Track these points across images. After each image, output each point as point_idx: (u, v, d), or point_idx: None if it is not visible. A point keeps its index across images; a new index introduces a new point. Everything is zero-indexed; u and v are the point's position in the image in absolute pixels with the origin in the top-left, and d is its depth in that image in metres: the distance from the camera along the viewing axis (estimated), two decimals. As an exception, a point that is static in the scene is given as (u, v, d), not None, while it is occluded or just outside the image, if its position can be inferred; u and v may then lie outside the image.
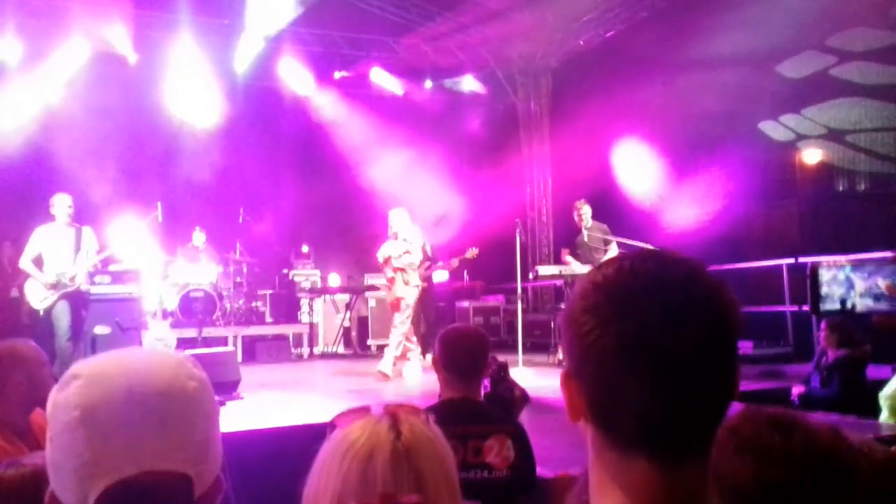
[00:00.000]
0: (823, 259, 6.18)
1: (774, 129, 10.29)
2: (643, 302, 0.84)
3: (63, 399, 0.95)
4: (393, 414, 1.06)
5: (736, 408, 1.47)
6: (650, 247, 8.48)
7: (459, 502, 1.10)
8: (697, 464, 0.87)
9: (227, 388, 6.51)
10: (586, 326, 0.86)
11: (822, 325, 6.20)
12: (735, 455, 1.39)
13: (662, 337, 0.82)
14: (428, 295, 9.95)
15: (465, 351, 2.76)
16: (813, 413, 5.30)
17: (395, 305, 8.15)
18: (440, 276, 10.57)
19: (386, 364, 7.82)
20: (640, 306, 0.84)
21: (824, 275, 1.35)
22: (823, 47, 9.62)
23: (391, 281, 8.15)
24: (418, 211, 10.41)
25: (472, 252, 9.58)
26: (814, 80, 9.67)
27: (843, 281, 1.36)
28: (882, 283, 1.22)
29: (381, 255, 8.15)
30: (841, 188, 10.39)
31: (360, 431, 1.03)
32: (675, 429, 0.85)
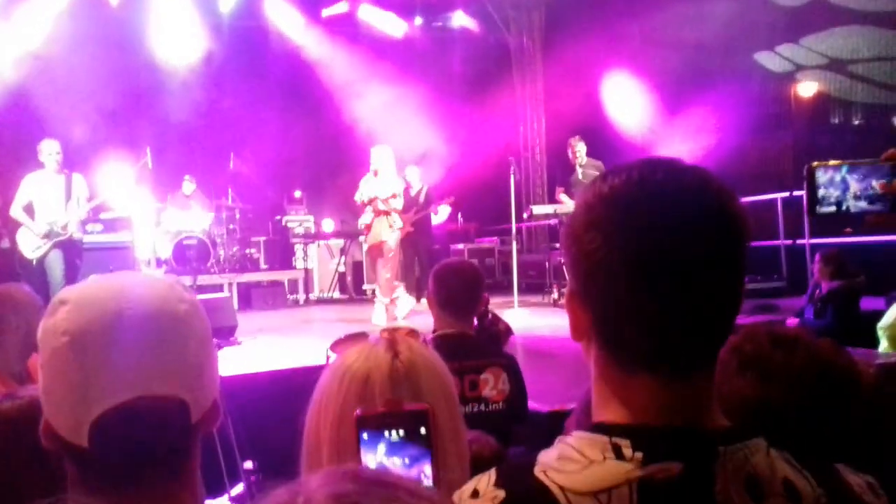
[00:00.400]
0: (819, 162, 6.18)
1: (771, 60, 10.15)
2: (652, 214, 0.81)
3: (52, 325, 0.92)
4: (390, 337, 1.06)
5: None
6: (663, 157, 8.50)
7: (459, 419, 1.11)
8: (702, 379, 0.86)
9: (224, 333, 6.55)
10: (593, 243, 0.83)
11: (817, 257, 6.22)
12: (738, 373, 1.40)
13: (672, 250, 0.81)
14: (423, 238, 9.95)
15: (459, 286, 2.77)
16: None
17: (378, 250, 7.75)
18: (437, 218, 10.57)
19: (379, 315, 7.68)
20: (649, 219, 0.81)
21: (821, 177, 1.34)
22: None
23: (370, 224, 7.69)
24: (409, 150, 10.34)
25: (448, 201, 9.56)
26: (811, 8, 9.48)
27: (839, 182, 1.35)
28: (876, 184, 1.22)
29: (363, 196, 7.62)
30: (837, 120, 10.31)
31: (357, 355, 1.04)
32: (683, 344, 0.83)
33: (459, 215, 11.46)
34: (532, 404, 2.99)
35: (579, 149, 8.60)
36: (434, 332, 2.82)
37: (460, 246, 11.02)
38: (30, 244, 6.96)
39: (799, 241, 8.09)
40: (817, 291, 6.10)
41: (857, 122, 10.17)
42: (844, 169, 1.01)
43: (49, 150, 7.02)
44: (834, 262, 6.06)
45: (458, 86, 11.94)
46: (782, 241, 8.57)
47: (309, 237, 11.07)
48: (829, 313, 5.86)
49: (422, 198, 9.84)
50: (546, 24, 12.72)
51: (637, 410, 0.85)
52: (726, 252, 0.83)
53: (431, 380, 1.07)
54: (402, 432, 0.89)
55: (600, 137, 9.69)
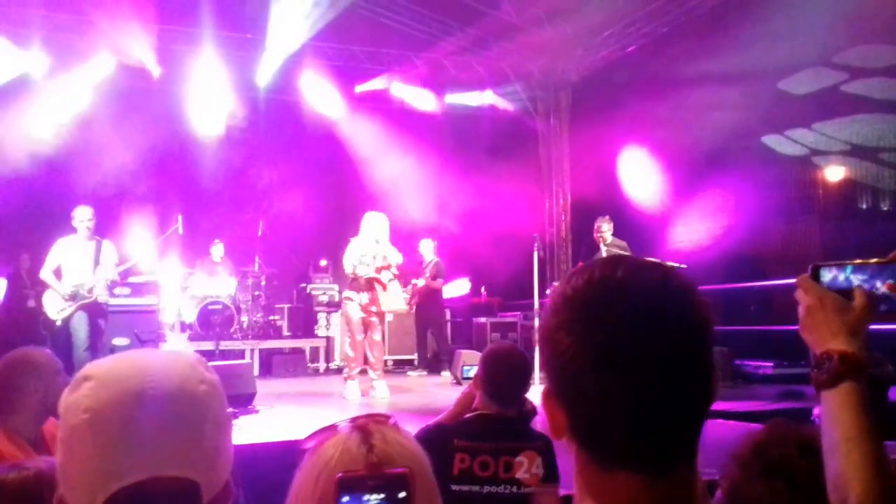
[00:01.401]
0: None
1: (781, 144, 10.25)
2: (612, 314, 0.83)
3: (74, 401, 0.93)
4: (362, 427, 1.04)
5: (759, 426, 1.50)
6: (670, 264, 8.50)
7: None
8: (681, 474, 0.85)
9: (243, 400, 6.52)
10: (562, 345, 0.85)
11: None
12: (762, 477, 1.36)
13: (635, 348, 0.81)
14: (435, 311, 10.01)
15: (508, 375, 2.82)
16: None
17: (382, 318, 7.80)
18: (458, 291, 10.61)
19: (354, 391, 7.51)
20: (610, 319, 0.83)
21: (825, 275, 1.31)
22: (830, 64, 9.58)
23: (376, 289, 7.38)
24: (435, 224, 10.45)
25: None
26: (823, 96, 9.61)
27: (843, 282, 1.30)
28: (881, 285, 1.17)
29: (376, 263, 7.37)
30: (864, 205, 10.26)
31: (332, 450, 1.01)
32: (657, 440, 0.84)
33: (483, 289, 11.45)
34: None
35: (605, 228, 8.62)
36: (475, 410, 2.87)
37: (483, 319, 10.98)
38: (55, 305, 7.10)
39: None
40: (845, 380, 5.95)
41: (886, 207, 10.12)
42: (849, 269, 0.99)
43: (82, 216, 7.22)
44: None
45: (486, 162, 12.11)
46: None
47: (332, 305, 11.12)
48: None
49: (429, 270, 9.93)
50: (573, 104, 12.93)
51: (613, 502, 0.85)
52: (689, 346, 0.84)
53: (414, 478, 1.02)
54: (382, 496, 0.88)
55: (623, 216, 9.72)
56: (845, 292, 1.17)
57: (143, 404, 0.92)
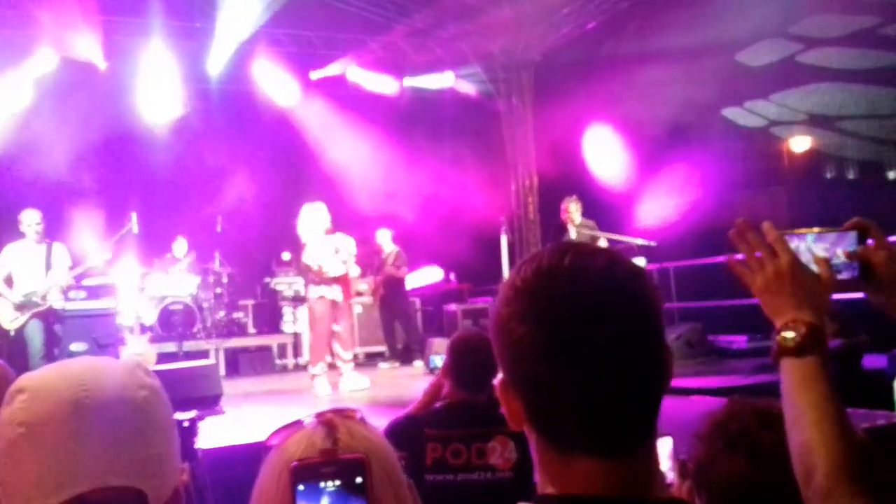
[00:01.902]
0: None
1: (741, 116, 10.30)
2: (561, 301, 0.85)
3: (8, 415, 0.92)
4: (327, 421, 1.02)
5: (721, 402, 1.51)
6: (640, 241, 8.44)
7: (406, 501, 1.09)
8: (639, 457, 0.87)
9: (209, 402, 6.31)
10: (514, 334, 0.86)
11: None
12: (724, 453, 1.39)
13: (584, 334, 0.83)
14: (399, 300, 9.93)
15: (475, 361, 2.81)
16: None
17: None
18: (427, 277, 10.52)
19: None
20: (559, 306, 0.85)
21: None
22: (787, 35, 9.63)
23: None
24: (399, 211, 10.29)
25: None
26: (780, 67, 9.66)
27: (805, 251, 1.26)
28: (840, 252, 1.14)
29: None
30: (829, 175, 10.33)
31: (295, 446, 0.99)
32: (611, 424, 0.85)
33: (452, 275, 11.32)
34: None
35: (573, 209, 8.59)
36: (444, 398, 2.90)
37: (453, 306, 10.84)
38: (7, 315, 6.91)
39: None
40: (821, 351, 5.94)
41: (851, 176, 10.20)
42: (810, 238, 0.96)
43: (29, 220, 7.03)
44: (837, 320, 5.90)
45: (449, 146, 11.95)
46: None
47: (298, 300, 10.88)
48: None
49: (390, 260, 9.83)
50: (535, 83, 12.82)
51: (575, 481, 0.86)
52: (638, 328, 0.86)
53: (381, 467, 1.01)
54: (338, 482, 0.88)
55: (590, 195, 9.67)
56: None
57: (80, 414, 0.90)
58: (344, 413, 1.05)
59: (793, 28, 9.57)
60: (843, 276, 1.22)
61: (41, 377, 0.95)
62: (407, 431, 2.79)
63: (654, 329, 0.87)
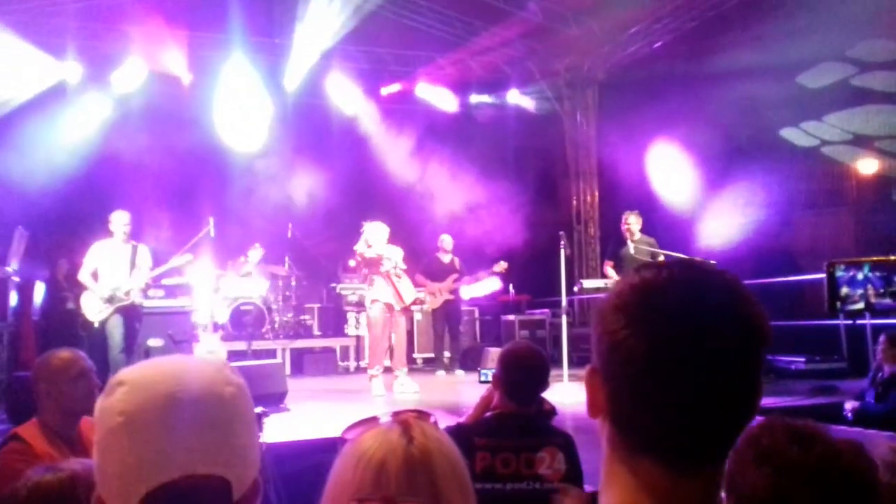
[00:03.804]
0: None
1: (797, 136, 10.18)
2: (676, 307, 0.85)
3: (108, 405, 0.98)
4: (403, 421, 1.07)
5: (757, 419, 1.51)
6: (699, 260, 8.44)
7: (471, 498, 1.11)
8: (707, 475, 0.87)
9: (275, 399, 6.59)
10: (616, 324, 0.87)
11: (881, 338, 6.01)
12: (753, 465, 1.40)
13: (691, 344, 0.83)
14: (456, 310, 10.07)
15: (524, 373, 2.84)
16: (867, 430, 5.15)
17: (408, 315, 8.21)
18: (487, 288, 10.63)
19: (410, 381, 7.92)
20: (673, 311, 0.85)
21: (841, 275, 1.31)
22: (843, 58, 9.51)
23: (395, 284, 7.88)
24: (465, 224, 10.49)
25: (500, 266, 9.60)
26: (834, 89, 9.54)
27: (862, 281, 1.30)
28: None
29: (396, 260, 7.88)
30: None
31: (371, 440, 1.04)
32: (690, 437, 0.85)
33: (511, 286, 11.47)
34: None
35: (632, 223, 8.57)
36: (494, 409, 2.89)
37: (511, 317, 10.99)
38: (93, 308, 7.22)
39: (859, 321, 7.87)
40: (880, 374, 5.86)
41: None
42: (866, 267, 1.01)
43: (119, 221, 7.36)
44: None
45: (514, 161, 12.14)
46: (842, 321, 8.32)
47: (361, 305, 11.18)
48: (892, 398, 5.62)
49: (457, 265, 9.99)
50: (599, 101, 12.89)
51: (635, 496, 0.86)
52: (744, 353, 0.85)
53: (446, 466, 1.07)
54: None
55: (652, 213, 9.69)
56: None
57: (175, 407, 0.97)
58: (419, 414, 1.12)
59: (849, 52, 9.47)
60: None
61: (140, 372, 1.02)
62: (457, 440, 2.79)
63: (758, 357, 0.87)
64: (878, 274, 1.25)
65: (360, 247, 7.91)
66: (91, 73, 10.46)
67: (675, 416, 0.84)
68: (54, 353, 2.88)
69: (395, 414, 1.12)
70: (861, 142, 9.68)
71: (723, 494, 1.48)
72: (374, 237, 7.89)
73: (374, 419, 1.14)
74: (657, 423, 0.85)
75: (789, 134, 10.20)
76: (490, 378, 3.03)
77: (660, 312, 0.85)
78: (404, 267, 7.97)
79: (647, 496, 0.86)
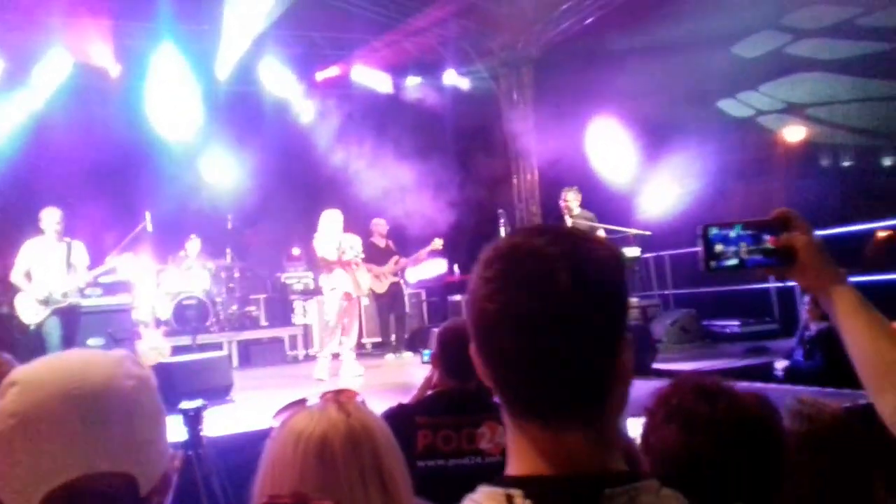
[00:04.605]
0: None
1: (733, 107, 10.42)
2: (502, 271, 0.90)
3: (1, 407, 0.95)
4: (337, 399, 1.10)
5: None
6: (634, 231, 8.64)
7: (407, 477, 1.15)
8: (591, 426, 0.90)
9: (220, 392, 6.56)
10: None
11: (807, 298, 6.23)
12: (663, 424, 1.46)
13: (531, 306, 0.87)
14: (401, 293, 10.11)
15: (462, 349, 2.82)
16: (794, 386, 5.38)
17: (358, 301, 8.16)
18: (432, 269, 10.68)
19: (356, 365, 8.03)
20: (500, 276, 0.90)
21: (715, 235, 1.39)
22: (780, 26, 9.74)
23: (353, 272, 8.01)
24: (405, 207, 10.51)
25: (436, 243, 9.66)
26: (769, 59, 9.79)
27: (734, 239, 1.38)
28: (766, 240, 1.26)
29: (334, 252, 7.95)
30: (824, 163, 10.45)
31: (307, 419, 1.05)
32: (550, 395, 0.89)
33: (456, 267, 11.56)
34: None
35: (571, 199, 8.68)
36: (434, 387, 2.92)
37: (458, 297, 11.08)
38: (28, 310, 7.03)
39: (789, 283, 8.16)
40: (807, 333, 6.11)
41: (844, 164, 10.32)
42: (738, 227, 1.07)
43: (50, 219, 7.13)
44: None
45: (452, 142, 12.16)
46: (773, 284, 8.63)
47: (307, 293, 11.17)
48: (818, 355, 5.86)
49: (393, 248, 10.02)
50: (535, 79, 12.98)
51: (531, 459, 0.91)
52: (581, 312, 0.87)
53: (385, 438, 1.11)
54: None
55: (592, 188, 9.84)
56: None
57: (69, 405, 0.94)
58: (347, 393, 1.13)
59: (785, 19, 9.71)
60: (771, 262, 1.29)
61: (32, 370, 0.98)
62: (398, 419, 2.79)
63: (601, 314, 0.88)
64: (749, 231, 1.34)
65: (318, 241, 7.95)
66: (12, 68, 10.08)
67: (531, 379, 0.88)
68: None
69: (323, 395, 1.13)
70: (793, 110, 9.96)
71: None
72: (331, 226, 7.97)
73: (301, 401, 1.14)
74: (519, 386, 0.90)
75: (726, 105, 10.44)
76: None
77: (504, 279, 0.89)
78: (363, 256, 8.08)
79: (538, 457, 0.90)
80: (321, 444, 1.04)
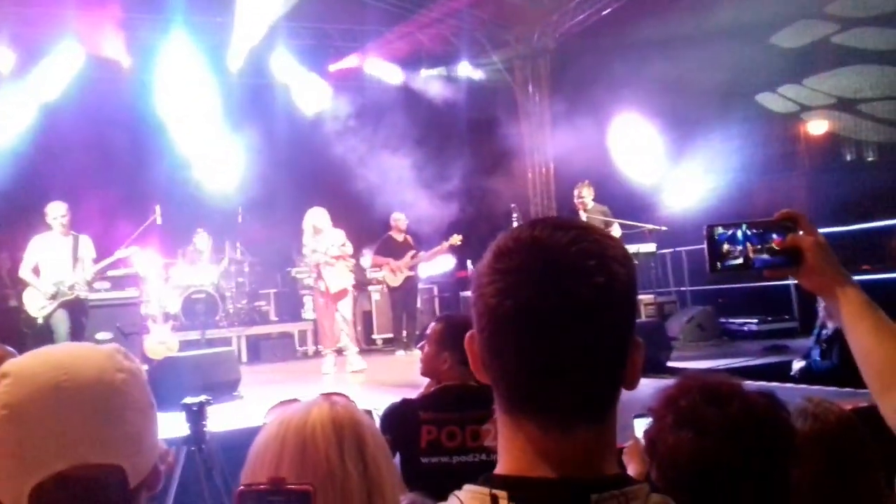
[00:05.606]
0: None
1: (774, 101, 10.12)
2: (521, 265, 0.86)
3: None
4: (325, 395, 1.13)
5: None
6: (650, 227, 8.46)
7: (395, 471, 1.17)
8: (588, 429, 0.87)
9: (227, 387, 6.52)
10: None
11: (823, 296, 6.06)
12: (673, 429, 1.42)
13: (534, 300, 0.84)
14: (415, 288, 10.01)
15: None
16: (811, 386, 5.23)
17: (344, 295, 8.12)
18: (441, 264, 10.58)
19: (358, 360, 8.05)
20: (519, 269, 0.86)
21: (721, 235, 1.32)
22: (823, 15, 9.43)
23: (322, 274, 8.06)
24: (419, 201, 10.41)
25: (455, 238, 9.55)
26: (813, 50, 9.48)
27: (741, 239, 1.32)
28: (772, 241, 1.20)
29: (319, 253, 8.02)
30: (848, 158, 10.20)
31: (293, 409, 1.08)
32: (551, 394, 0.86)
33: (469, 262, 11.43)
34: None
35: (585, 194, 8.58)
36: (439, 383, 2.89)
37: (469, 293, 10.97)
38: (36, 304, 7.09)
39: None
40: (824, 332, 5.94)
41: (869, 158, 10.07)
42: (744, 226, 1.03)
43: (55, 213, 7.17)
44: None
45: (467, 135, 12.02)
46: (793, 281, 8.39)
47: (318, 289, 11.07)
48: (834, 355, 5.70)
49: (411, 243, 9.93)
50: (552, 71, 12.80)
51: (523, 458, 0.88)
52: (587, 308, 0.84)
53: (370, 428, 1.11)
54: None
55: (611, 182, 9.66)
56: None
57: (59, 396, 0.95)
58: (337, 395, 1.14)
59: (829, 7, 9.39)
60: (777, 262, 1.28)
61: (24, 362, 1.01)
62: (402, 415, 2.81)
63: (609, 310, 0.86)
64: (754, 231, 1.27)
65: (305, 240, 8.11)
66: (24, 60, 10.07)
67: (531, 377, 0.86)
68: None
69: (321, 395, 1.14)
70: (841, 105, 9.65)
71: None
72: (315, 224, 8.02)
73: (293, 400, 1.17)
74: (518, 383, 0.88)
75: (763, 98, 10.16)
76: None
77: (508, 273, 0.86)
78: (349, 251, 8.06)
79: (527, 457, 0.87)
80: (301, 426, 1.06)
